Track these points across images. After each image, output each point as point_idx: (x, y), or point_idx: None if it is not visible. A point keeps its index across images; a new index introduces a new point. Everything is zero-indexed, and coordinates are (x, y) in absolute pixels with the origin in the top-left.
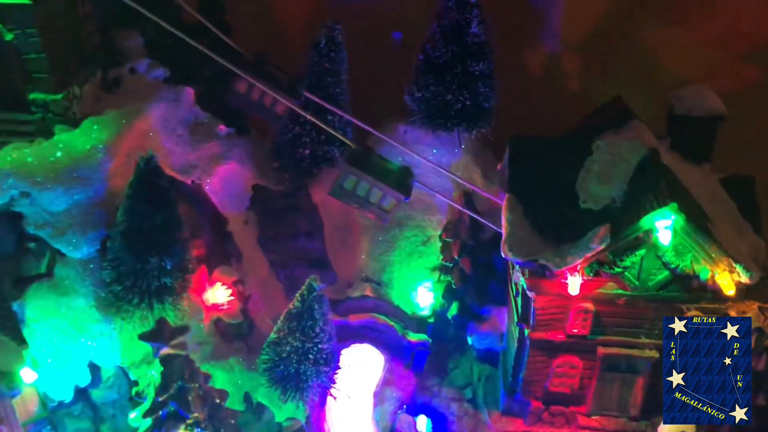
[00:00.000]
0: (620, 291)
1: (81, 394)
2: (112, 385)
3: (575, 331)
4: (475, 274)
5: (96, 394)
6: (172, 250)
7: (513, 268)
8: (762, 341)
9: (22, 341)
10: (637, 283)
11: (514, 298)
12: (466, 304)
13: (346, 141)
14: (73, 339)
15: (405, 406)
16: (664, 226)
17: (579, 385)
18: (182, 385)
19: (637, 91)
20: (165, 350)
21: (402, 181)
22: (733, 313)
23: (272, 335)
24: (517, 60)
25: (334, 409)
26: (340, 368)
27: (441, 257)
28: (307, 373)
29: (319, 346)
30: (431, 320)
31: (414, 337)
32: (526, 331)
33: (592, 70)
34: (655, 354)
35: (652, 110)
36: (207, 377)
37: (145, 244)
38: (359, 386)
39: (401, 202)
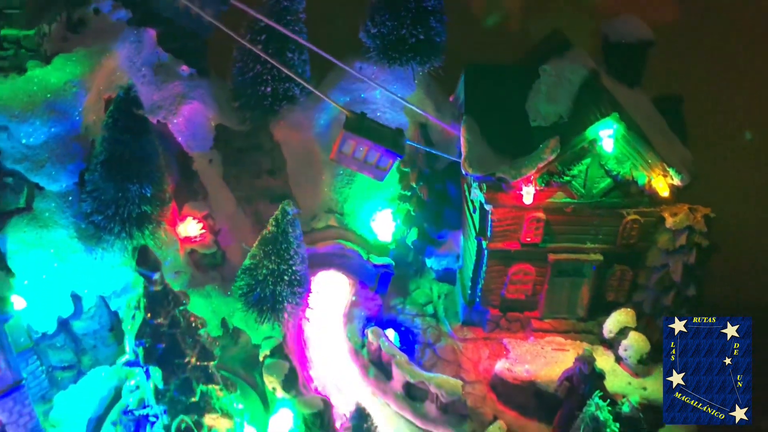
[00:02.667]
0: (568, 200)
1: (63, 325)
2: (93, 315)
3: (528, 239)
4: (432, 201)
5: (77, 326)
6: (152, 177)
7: (470, 186)
8: (692, 238)
9: (8, 270)
10: (583, 192)
11: (471, 215)
12: (423, 229)
13: (302, 81)
14: (55, 270)
15: (373, 323)
16: (606, 135)
17: (532, 291)
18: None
19: (573, 23)
20: (157, 276)
21: (396, 142)
22: (667, 215)
23: (246, 261)
24: None
25: (307, 329)
26: (311, 292)
27: (399, 186)
28: (282, 295)
29: (294, 267)
30: (392, 246)
31: (378, 260)
32: (484, 243)
33: (532, 7)
34: (599, 257)
35: (588, 41)
36: (186, 298)
37: (125, 172)
38: (330, 308)
39: (397, 160)
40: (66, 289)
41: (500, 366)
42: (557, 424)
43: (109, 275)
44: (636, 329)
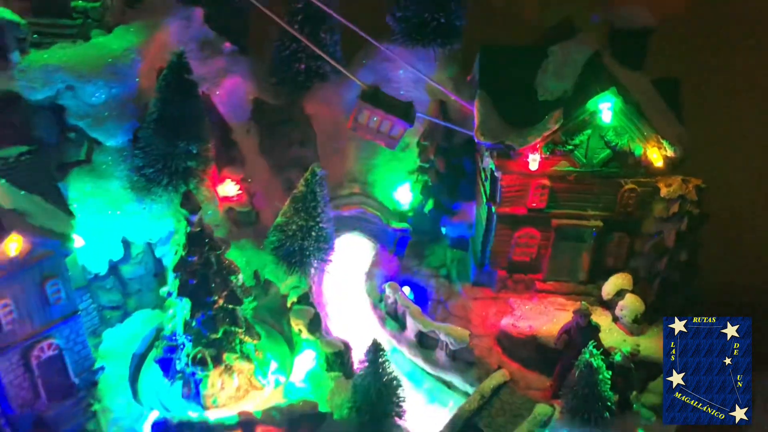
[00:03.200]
0: (571, 168)
1: (113, 269)
2: (140, 261)
3: (534, 205)
4: (448, 173)
5: (125, 270)
6: (197, 137)
7: (483, 155)
8: (684, 206)
9: (69, 212)
10: (584, 161)
11: (483, 184)
12: (440, 200)
13: (332, 62)
14: (109, 217)
15: (390, 281)
16: (606, 107)
17: (537, 255)
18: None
19: (582, 12)
20: (196, 218)
21: (406, 112)
22: (662, 185)
23: (278, 219)
24: None
25: (330, 283)
26: (334, 250)
27: (419, 159)
28: (309, 249)
29: (320, 225)
30: (410, 215)
31: (397, 224)
32: (494, 208)
33: None
34: (599, 223)
35: (595, 29)
36: (227, 245)
37: (174, 130)
38: (351, 267)
39: (407, 129)
40: (117, 234)
41: (506, 322)
42: (556, 375)
43: (155, 224)
44: (632, 292)
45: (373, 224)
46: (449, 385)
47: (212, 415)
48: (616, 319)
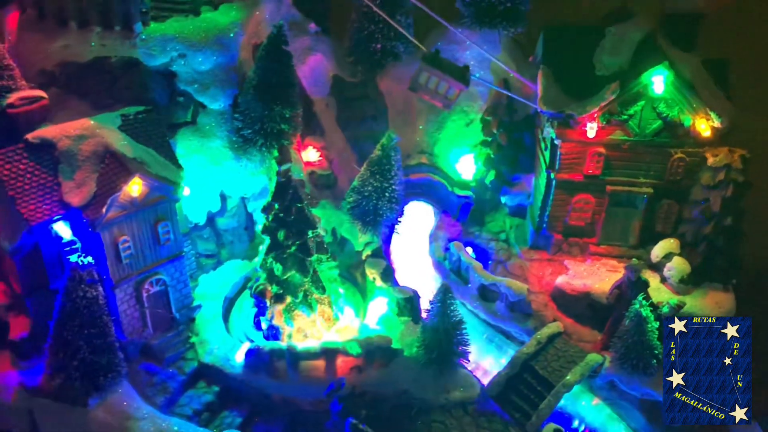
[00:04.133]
0: (625, 137)
1: (210, 221)
2: (234, 214)
3: (590, 172)
4: (509, 147)
5: (221, 222)
6: (290, 102)
7: (543, 127)
8: (730, 174)
9: (178, 165)
10: (637, 131)
11: (542, 153)
12: (500, 171)
13: (410, 38)
14: (210, 172)
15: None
16: (658, 80)
17: (591, 219)
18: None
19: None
20: (283, 169)
21: (462, 75)
22: (709, 155)
23: (355, 182)
24: None
25: (397, 243)
26: (403, 213)
27: (482, 133)
28: (382, 209)
29: (393, 186)
30: (472, 185)
31: (460, 192)
32: (552, 175)
33: None
34: (650, 190)
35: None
36: (312, 201)
37: (271, 94)
38: (417, 229)
39: (462, 91)
40: (216, 189)
41: (561, 280)
42: (607, 329)
43: (250, 180)
44: (679, 255)
45: (438, 191)
46: (507, 335)
47: (300, 345)
48: (663, 280)
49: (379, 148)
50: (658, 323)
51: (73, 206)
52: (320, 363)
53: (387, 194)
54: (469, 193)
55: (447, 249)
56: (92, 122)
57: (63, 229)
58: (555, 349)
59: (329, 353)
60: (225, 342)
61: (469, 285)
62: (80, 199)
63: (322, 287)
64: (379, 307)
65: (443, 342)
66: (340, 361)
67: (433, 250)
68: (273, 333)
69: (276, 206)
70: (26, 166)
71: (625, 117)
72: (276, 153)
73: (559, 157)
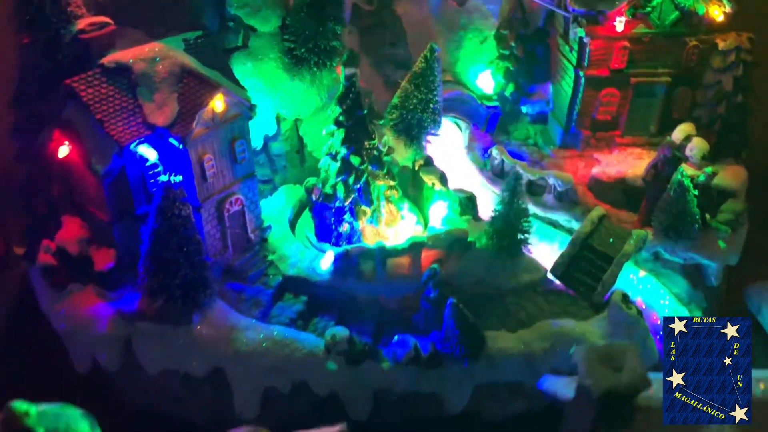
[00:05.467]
0: (646, 30)
1: (264, 147)
2: (288, 138)
3: (616, 66)
4: (526, 58)
5: (274, 147)
6: (340, 19)
7: (568, 30)
8: (739, 55)
9: (242, 86)
10: (657, 22)
11: (567, 57)
12: (518, 83)
13: None
14: (265, 95)
15: (492, 148)
16: None
17: (616, 113)
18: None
19: None
20: (346, 73)
21: None
22: (719, 41)
23: (394, 99)
24: None
25: (438, 153)
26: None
27: (498, 48)
28: (426, 121)
29: (436, 98)
30: (494, 98)
31: (489, 103)
32: (581, 72)
33: None
34: (668, 79)
35: None
36: (369, 108)
37: (324, 11)
38: (451, 145)
39: None
40: (272, 112)
41: (596, 170)
42: (644, 206)
43: (303, 101)
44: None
45: (468, 104)
46: (554, 225)
47: (387, 243)
48: (686, 160)
49: (422, 60)
50: (696, 191)
51: (158, 126)
52: (405, 260)
53: (431, 106)
54: (496, 103)
55: (485, 156)
56: (163, 44)
57: (148, 152)
58: (605, 229)
59: (415, 248)
60: (305, 254)
61: None
62: (165, 118)
63: (394, 177)
64: (439, 210)
65: (513, 229)
66: (423, 256)
67: (472, 158)
68: (348, 236)
69: (341, 106)
70: (107, 90)
71: (649, 9)
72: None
73: (588, 54)
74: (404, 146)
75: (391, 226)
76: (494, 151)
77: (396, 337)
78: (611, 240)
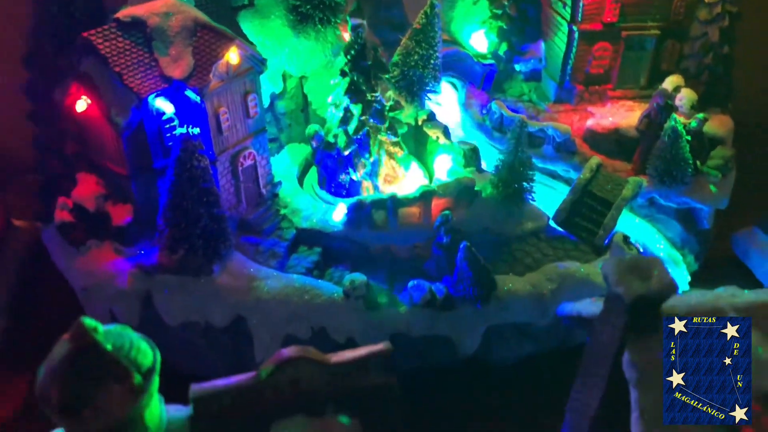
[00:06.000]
0: None
1: (271, 105)
2: (293, 96)
3: (608, 19)
4: (518, 17)
5: (280, 105)
6: None
7: None
8: (725, 6)
9: (251, 42)
10: None
11: (558, 14)
12: (511, 42)
13: None
14: (271, 52)
15: (490, 104)
16: None
17: (608, 66)
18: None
19: None
20: (352, 23)
21: None
22: None
23: (395, 57)
24: None
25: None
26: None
27: (491, 7)
28: (428, 77)
29: (437, 53)
30: (488, 57)
31: (484, 60)
32: (575, 27)
33: None
34: (657, 32)
35: None
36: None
37: None
38: (448, 103)
39: None
40: (279, 69)
41: (590, 122)
42: (638, 155)
43: (308, 58)
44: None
45: (464, 62)
46: (553, 176)
47: (399, 192)
48: (676, 110)
49: (423, 16)
50: (689, 137)
51: (175, 79)
52: (416, 209)
53: (432, 61)
54: (492, 61)
55: (484, 112)
56: (174, 0)
57: (165, 105)
58: (603, 176)
59: (426, 196)
60: (317, 207)
61: None
62: (181, 71)
63: (397, 132)
64: (444, 163)
65: (518, 177)
66: (433, 205)
67: (471, 115)
68: (348, 188)
69: (345, 59)
70: (123, 44)
71: None
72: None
73: (582, 8)
74: (406, 103)
75: (393, 185)
76: (494, 106)
77: (411, 282)
78: (609, 186)
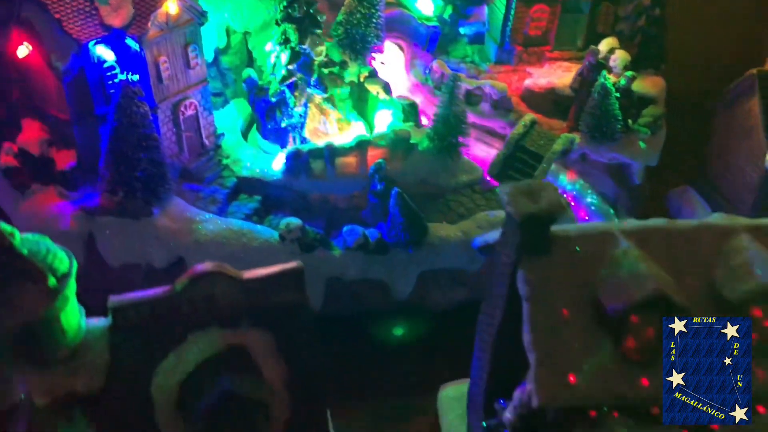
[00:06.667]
0: None
1: (215, 60)
2: (237, 51)
3: None
4: None
5: (224, 60)
6: None
7: None
8: None
9: None
10: None
11: None
12: (456, 5)
13: None
14: (215, 6)
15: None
16: None
17: (546, 28)
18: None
19: None
20: None
21: None
22: None
23: (339, 17)
24: None
25: (381, 69)
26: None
27: None
28: (370, 36)
29: (378, 12)
30: (434, 20)
31: (429, 23)
32: None
33: None
34: None
35: None
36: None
37: None
38: (392, 64)
39: None
40: (222, 24)
41: (528, 82)
42: (573, 113)
43: (252, 14)
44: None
45: (408, 24)
46: (491, 132)
47: (335, 141)
48: (610, 71)
49: None
50: (618, 94)
51: (115, 27)
52: (352, 159)
53: (374, 20)
54: (436, 23)
55: (426, 72)
56: None
57: (105, 52)
58: (536, 132)
59: (362, 146)
60: (257, 158)
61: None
62: (121, 20)
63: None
64: (384, 117)
65: (452, 130)
66: (369, 155)
67: (414, 73)
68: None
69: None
70: None
71: None
72: None
73: None
74: (350, 60)
75: (322, 139)
76: (435, 65)
77: (346, 227)
78: (542, 142)
